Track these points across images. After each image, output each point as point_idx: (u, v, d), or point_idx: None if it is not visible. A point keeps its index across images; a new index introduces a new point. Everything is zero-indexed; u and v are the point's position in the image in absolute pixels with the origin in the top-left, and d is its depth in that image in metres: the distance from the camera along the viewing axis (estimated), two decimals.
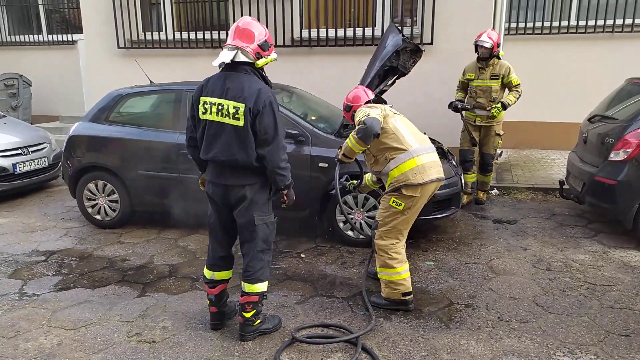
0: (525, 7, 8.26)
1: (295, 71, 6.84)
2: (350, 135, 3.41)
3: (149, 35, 7.92)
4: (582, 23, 7.95)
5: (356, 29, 6.91)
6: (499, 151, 7.68)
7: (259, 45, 2.93)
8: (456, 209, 4.88)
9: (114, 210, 5.36)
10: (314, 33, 7.07)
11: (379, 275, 3.60)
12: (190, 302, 3.77)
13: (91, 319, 3.54)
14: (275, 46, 7.26)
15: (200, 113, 3.02)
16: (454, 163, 5.12)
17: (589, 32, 7.89)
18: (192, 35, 7.62)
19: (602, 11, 7.86)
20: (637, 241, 4.66)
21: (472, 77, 5.73)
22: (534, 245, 4.72)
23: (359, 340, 3.12)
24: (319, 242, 4.90)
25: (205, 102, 2.98)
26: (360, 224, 4.68)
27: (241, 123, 2.89)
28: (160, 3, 7.87)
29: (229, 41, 2.94)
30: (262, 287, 3.17)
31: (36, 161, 6.65)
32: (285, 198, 3.15)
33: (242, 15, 7.24)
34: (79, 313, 3.63)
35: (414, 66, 4.99)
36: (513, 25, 8.17)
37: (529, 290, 3.85)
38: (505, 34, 7.32)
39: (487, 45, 5.47)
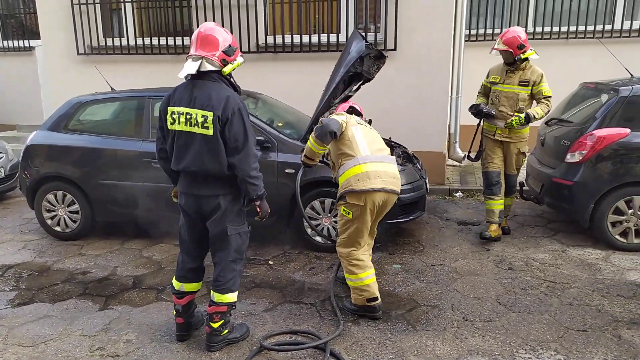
0: (485, 14, 8.50)
1: (260, 77, 6.82)
2: (309, 137, 3.42)
3: (109, 41, 7.75)
4: (538, 29, 8.25)
5: (321, 35, 6.96)
6: (461, 154, 7.85)
7: (223, 51, 2.89)
8: (422, 212, 4.96)
9: (74, 222, 5.20)
10: (279, 39, 7.07)
11: (347, 281, 3.62)
12: (155, 313, 3.69)
13: (51, 335, 3.42)
14: (241, 52, 7.29)
15: (168, 123, 2.96)
16: (419, 167, 5.21)
17: (545, 39, 8.19)
18: (155, 41, 7.49)
19: (557, 18, 8.18)
20: (593, 240, 4.84)
21: (497, 80, 4.90)
22: (497, 246, 4.85)
23: (327, 346, 3.12)
24: (287, 248, 4.89)
25: (173, 112, 2.93)
26: (328, 229, 4.70)
27: (210, 132, 2.85)
28: (121, 9, 7.72)
29: (192, 51, 2.89)
30: (232, 297, 3.15)
31: None
32: (258, 210, 3.09)
33: (206, 21, 7.17)
34: (38, 329, 3.50)
35: (378, 72, 5.05)
36: (473, 31, 8.40)
37: (492, 289, 3.95)
38: (465, 40, 7.50)
39: (502, 47, 4.72)
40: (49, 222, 5.26)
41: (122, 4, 7.64)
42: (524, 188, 5.66)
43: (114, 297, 3.98)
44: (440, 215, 5.84)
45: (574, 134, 4.83)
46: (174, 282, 3.24)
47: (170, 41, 7.41)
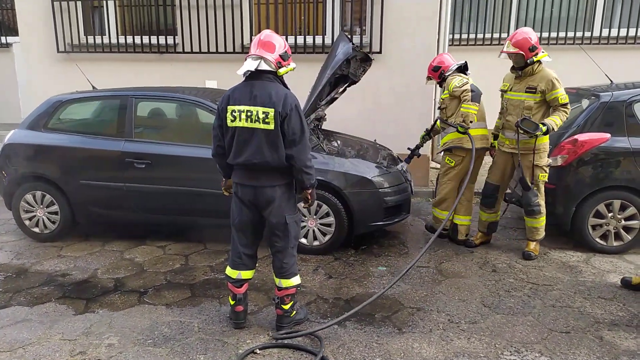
0: (468, 19, 8.61)
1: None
2: (462, 105, 4.49)
3: (91, 39, 7.61)
4: None
5: (306, 36, 6.94)
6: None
7: (280, 55, 3.18)
8: (406, 214, 4.98)
9: (53, 223, 5.08)
10: None
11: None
12: (138, 317, 3.62)
13: (30, 339, 3.32)
14: (225, 52, 7.25)
15: (228, 121, 3.16)
16: (404, 169, 5.22)
17: None
18: (138, 40, 7.38)
19: (538, 24, 8.33)
20: (574, 242, 4.92)
21: (506, 88, 4.62)
22: (480, 248, 4.89)
23: (322, 344, 3.11)
24: None
25: (233, 111, 3.14)
26: (314, 231, 4.68)
27: (272, 126, 3.08)
28: (102, 6, 7.59)
29: (252, 51, 3.15)
30: (297, 279, 3.37)
31: None
32: (309, 197, 3.32)
33: (190, 21, 7.13)
34: (15, 333, 3.40)
35: (364, 74, 5.07)
36: (457, 36, 8.49)
37: (477, 291, 3.98)
38: (449, 44, 7.59)
39: (512, 50, 4.33)
40: (27, 223, 5.12)
41: (104, 1, 7.52)
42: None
43: (95, 300, 3.89)
44: (425, 217, 5.86)
45: (555, 138, 4.89)
46: (230, 272, 3.39)
47: (154, 40, 7.31)
